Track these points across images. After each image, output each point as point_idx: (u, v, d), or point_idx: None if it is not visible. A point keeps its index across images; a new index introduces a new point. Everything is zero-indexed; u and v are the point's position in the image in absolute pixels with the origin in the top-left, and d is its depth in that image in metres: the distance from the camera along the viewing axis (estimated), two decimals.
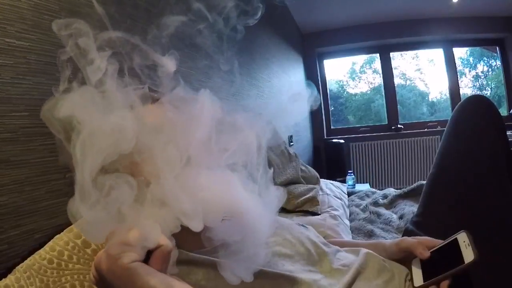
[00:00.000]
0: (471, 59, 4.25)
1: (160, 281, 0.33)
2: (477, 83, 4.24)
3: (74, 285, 0.54)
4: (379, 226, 1.28)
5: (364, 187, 2.62)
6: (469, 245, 0.53)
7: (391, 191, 1.67)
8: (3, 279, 0.50)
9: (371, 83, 4.66)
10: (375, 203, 1.55)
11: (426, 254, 0.59)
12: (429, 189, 0.87)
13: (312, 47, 3.98)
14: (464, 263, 0.52)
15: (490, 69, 4.19)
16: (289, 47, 3.09)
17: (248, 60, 1.82)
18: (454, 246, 0.56)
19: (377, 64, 4.20)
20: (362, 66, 4.67)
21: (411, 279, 0.59)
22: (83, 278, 0.56)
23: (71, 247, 0.57)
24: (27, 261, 0.53)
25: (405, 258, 0.65)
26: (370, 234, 1.21)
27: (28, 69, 0.58)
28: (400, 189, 1.66)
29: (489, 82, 4.20)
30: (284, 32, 2.90)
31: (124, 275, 0.32)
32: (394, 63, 4.07)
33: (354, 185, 2.83)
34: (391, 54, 4.03)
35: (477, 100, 0.86)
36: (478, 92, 4.19)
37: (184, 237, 0.56)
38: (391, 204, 1.55)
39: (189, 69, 1.16)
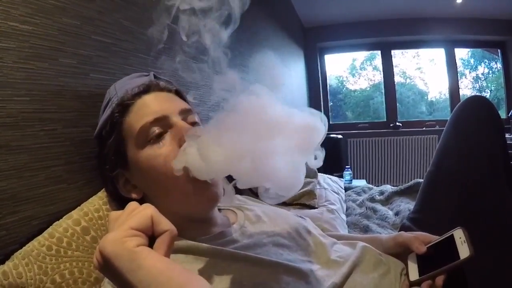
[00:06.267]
0: (472, 60, 4.25)
1: (166, 266, 0.33)
2: (477, 84, 4.26)
3: (73, 272, 0.54)
4: (375, 222, 1.29)
5: (360, 183, 2.63)
6: (465, 242, 0.54)
7: (388, 188, 1.68)
8: (1, 266, 0.49)
9: (370, 80, 4.66)
10: (372, 199, 1.57)
11: (422, 249, 0.60)
12: (427, 187, 0.88)
13: (313, 42, 3.96)
14: (459, 259, 0.52)
15: (490, 71, 4.20)
16: (291, 41, 3.07)
17: (250, 52, 1.80)
18: (450, 242, 0.56)
19: (378, 61, 4.20)
20: (362, 63, 4.66)
21: (407, 274, 0.60)
22: (82, 265, 0.56)
23: (70, 234, 0.56)
24: (25, 248, 0.52)
25: (401, 252, 0.65)
26: (366, 229, 1.22)
27: (32, 53, 0.57)
28: (396, 186, 1.67)
29: (489, 84, 4.21)
30: (286, 25, 2.88)
31: (130, 259, 0.32)
32: (394, 61, 4.07)
33: (351, 180, 2.84)
34: (392, 51, 4.02)
35: (478, 101, 0.86)
36: (479, 94, 4.20)
37: (187, 225, 0.56)
38: (387, 200, 1.56)
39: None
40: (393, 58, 4.03)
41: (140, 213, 0.36)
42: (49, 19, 0.61)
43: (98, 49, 0.73)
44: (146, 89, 0.60)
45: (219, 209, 0.69)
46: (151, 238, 0.36)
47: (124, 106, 0.58)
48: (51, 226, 0.57)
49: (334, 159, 3.24)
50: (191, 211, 0.57)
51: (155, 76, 0.68)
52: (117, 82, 0.66)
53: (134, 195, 0.59)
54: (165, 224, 0.36)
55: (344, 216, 1.35)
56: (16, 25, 0.55)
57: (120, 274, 0.32)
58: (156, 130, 0.55)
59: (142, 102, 0.58)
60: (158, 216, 0.36)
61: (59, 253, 0.54)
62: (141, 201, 0.59)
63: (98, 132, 0.63)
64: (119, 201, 0.62)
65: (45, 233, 0.55)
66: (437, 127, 3.73)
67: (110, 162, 0.58)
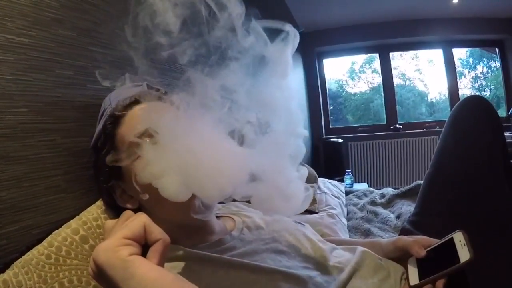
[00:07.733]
0: (470, 60, 4.25)
1: (159, 275, 0.33)
2: (476, 84, 4.25)
3: (72, 281, 0.54)
4: (377, 225, 1.28)
5: (362, 186, 2.62)
6: (465, 245, 0.53)
7: (389, 191, 1.68)
8: (1, 274, 0.50)
9: (370, 82, 4.66)
10: (373, 202, 1.56)
11: (422, 252, 0.59)
12: (426, 188, 0.88)
13: (311, 46, 3.97)
14: (460, 262, 0.52)
15: (489, 70, 4.20)
16: None
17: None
18: (450, 245, 0.56)
19: (377, 64, 4.20)
20: (361, 66, 4.67)
21: (407, 278, 0.59)
22: (81, 274, 0.56)
23: (69, 243, 0.57)
24: (25, 257, 0.53)
25: (401, 256, 0.65)
26: (367, 233, 1.22)
27: (29, 65, 0.58)
28: (397, 188, 1.67)
29: (488, 83, 4.21)
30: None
31: (123, 267, 0.32)
32: (393, 63, 4.07)
33: (352, 184, 2.83)
34: (391, 54, 4.03)
35: (476, 101, 0.86)
36: (477, 93, 4.19)
37: (184, 233, 0.56)
38: (388, 203, 1.55)
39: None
40: (391, 60, 4.04)
41: (133, 222, 0.36)
42: (45, 31, 0.62)
43: (94, 59, 0.73)
44: (137, 100, 0.60)
45: (217, 216, 0.69)
46: (145, 247, 0.36)
47: (116, 118, 0.59)
48: (50, 235, 0.57)
49: (335, 163, 3.24)
50: (185, 219, 0.57)
51: (148, 86, 0.68)
52: (112, 93, 0.66)
53: (129, 205, 0.59)
54: (158, 233, 0.36)
55: (345, 221, 1.35)
56: (13, 37, 0.56)
57: (114, 282, 0.32)
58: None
59: (132, 113, 0.59)
60: (151, 225, 0.36)
61: (58, 261, 0.54)
62: (137, 211, 0.60)
63: (93, 143, 0.63)
64: (115, 210, 0.63)
65: (44, 242, 0.56)
66: (437, 128, 3.72)
67: (105, 173, 0.59)
